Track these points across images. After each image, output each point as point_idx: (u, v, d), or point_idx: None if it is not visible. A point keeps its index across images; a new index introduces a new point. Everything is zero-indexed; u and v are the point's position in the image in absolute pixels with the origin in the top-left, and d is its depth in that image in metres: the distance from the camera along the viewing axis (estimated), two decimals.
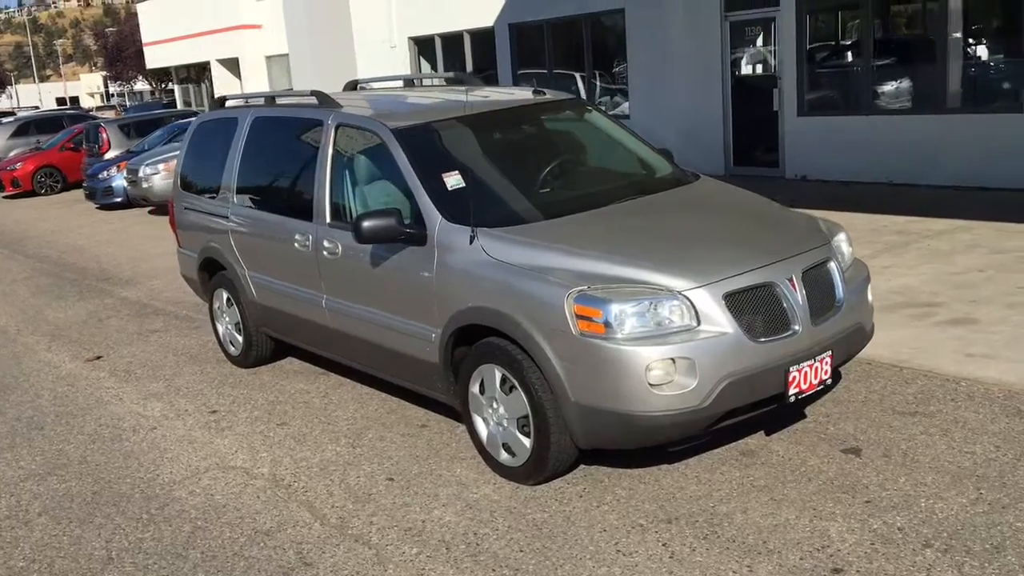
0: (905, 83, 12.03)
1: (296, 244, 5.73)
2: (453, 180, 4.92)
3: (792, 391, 4.20)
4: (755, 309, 4.14)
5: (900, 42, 12.19)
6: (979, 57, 11.58)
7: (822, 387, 4.35)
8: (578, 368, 4.10)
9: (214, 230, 6.70)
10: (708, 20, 13.62)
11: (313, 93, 5.95)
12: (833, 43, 13.12)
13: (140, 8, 30.82)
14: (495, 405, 4.57)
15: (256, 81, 25.34)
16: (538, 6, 16.27)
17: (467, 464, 4.88)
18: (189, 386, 6.68)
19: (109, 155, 19.68)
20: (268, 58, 25.07)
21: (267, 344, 6.72)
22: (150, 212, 17.01)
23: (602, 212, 4.83)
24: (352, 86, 6.98)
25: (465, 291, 4.57)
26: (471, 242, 4.57)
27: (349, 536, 4.26)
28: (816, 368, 4.27)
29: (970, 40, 11.50)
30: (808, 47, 12.79)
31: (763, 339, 4.12)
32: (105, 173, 18.10)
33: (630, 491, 4.39)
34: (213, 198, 6.71)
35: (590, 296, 4.06)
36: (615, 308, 4.00)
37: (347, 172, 5.54)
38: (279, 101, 6.41)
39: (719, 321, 4.05)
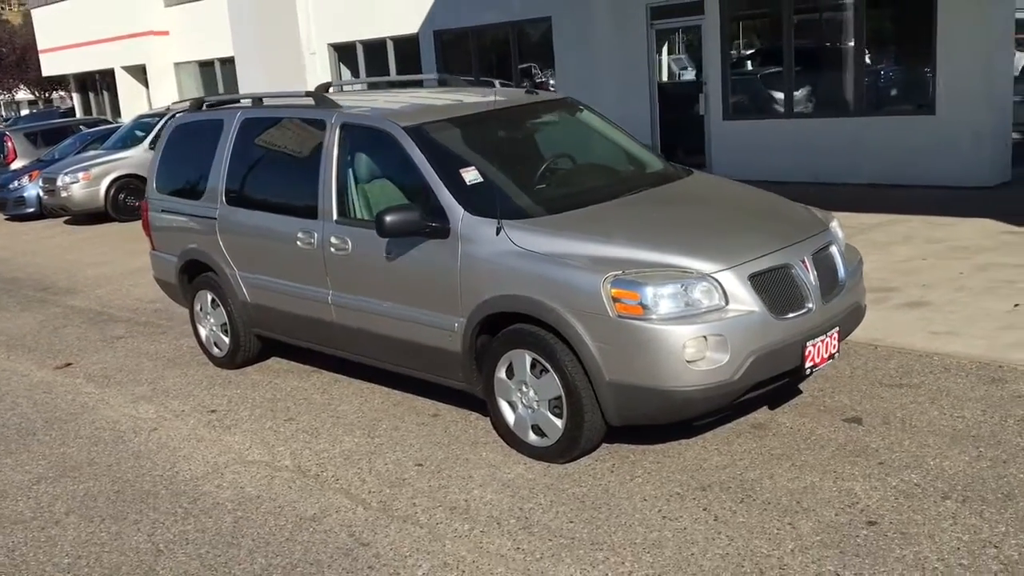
0: (823, 89, 12.73)
1: (299, 242, 5.83)
2: (471, 175, 5.12)
3: (808, 364, 4.55)
4: (775, 289, 4.48)
5: (816, 51, 12.86)
6: (891, 64, 12.32)
7: (831, 360, 4.71)
8: (614, 348, 4.35)
9: (198, 232, 6.72)
10: (635, 28, 14.09)
11: (309, 94, 6.06)
12: (755, 50, 13.75)
13: (35, 14, 29.79)
14: (524, 388, 4.78)
15: (164, 88, 24.83)
16: (463, 13, 16.50)
17: (491, 448, 5.08)
18: (177, 388, 6.67)
19: (16, 165, 19.06)
20: (177, 65, 24.60)
21: (254, 344, 6.77)
22: (66, 222, 16.57)
23: (614, 204, 5.11)
24: (324, 88, 7.03)
25: (493, 281, 4.77)
26: (497, 233, 4.77)
27: (396, 517, 4.41)
28: (827, 343, 4.63)
29: (881, 49, 12.25)
30: (732, 54, 13.36)
31: (784, 316, 4.45)
32: (16, 183, 17.54)
33: (658, 464, 4.66)
34: (197, 200, 6.72)
35: (626, 280, 4.33)
36: (651, 290, 4.27)
37: (354, 170, 5.67)
38: (268, 102, 6.47)
39: (745, 300, 4.36)
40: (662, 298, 4.27)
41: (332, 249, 5.62)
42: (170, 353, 7.59)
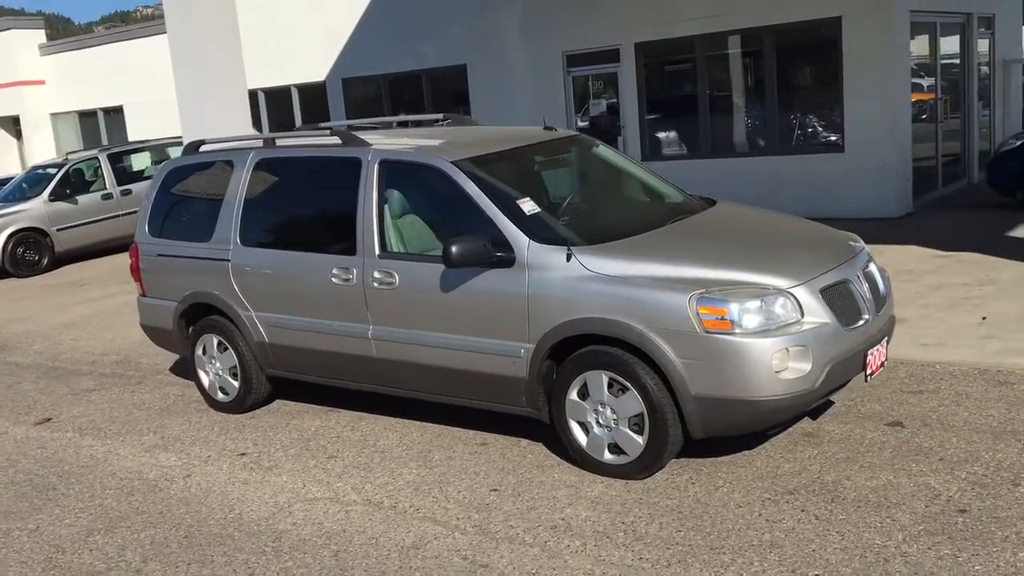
0: (739, 130, 13.49)
1: (334, 279, 5.84)
2: (528, 206, 5.31)
3: (869, 372, 4.92)
4: (840, 302, 4.83)
5: (732, 95, 13.63)
6: (803, 108, 13.17)
7: (882, 368, 5.10)
8: (701, 363, 4.59)
9: (205, 274, 6.61)
10: (552, 75, 14.58)
11: (335, 133, 6.11)
12: (671, 95, 14.40)
13: None
14: (601, 408, 4.96)
15: (39, 140, 23.79)
16: (373, 61, 16.64)
17: (560, 469, 5.21)
18: (188, 435, 6.50)
19: None
20: (54, 115, 23.65)
21: (265, 387, 6.68)
22: None
23: (664, 231, 5.39)
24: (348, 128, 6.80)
25: (567, 305, 4.94)
26: (568, 260, 4.96)
27: (500, 539, 4.49)
28: (880, 351, 5.02)
29: (794, 94, 13.11)
30: (648, 98, 13.98)
31: (850, 327, 4.80)
32: None
33: (733, 474, 4.91)
34: (203, 242, 6.62)
35: (711, 297, 4.59)
36: (737, 306, 4.55)
37: (397, 206, 5.75)
38: (280, 143, 6.48)
39: (819, 313, 4.69)
40: (747, 313, 4.55)
41: (375, 284, 5.66)
42: (159, 402, 7.36)
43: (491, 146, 5.82)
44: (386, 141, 6.08)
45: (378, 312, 5.72)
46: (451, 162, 5.47)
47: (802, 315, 4.67)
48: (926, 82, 13.60)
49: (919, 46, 13.26)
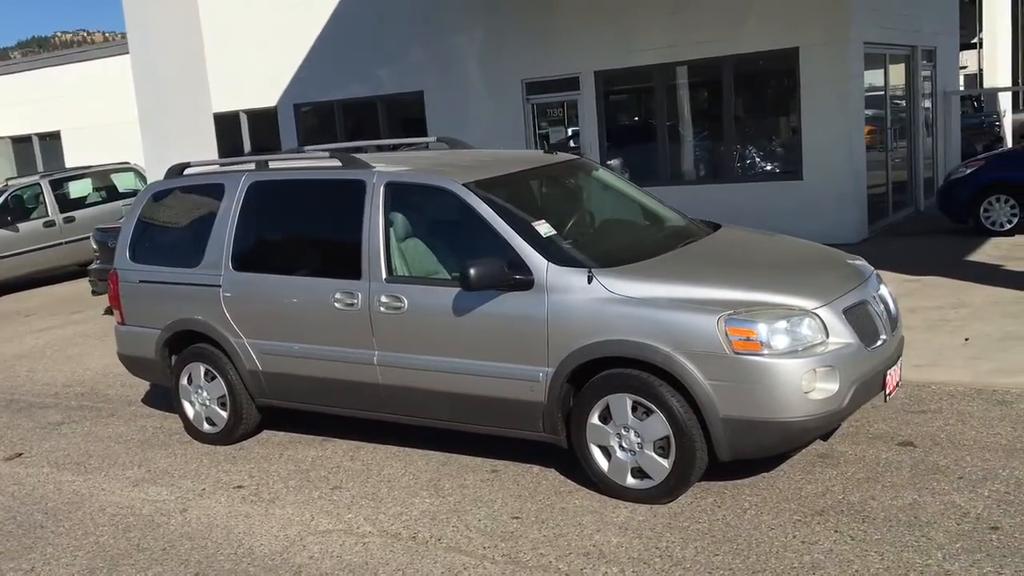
0: (699, 158, 13.67)
1: (336, 304, 5.71)
2: (544, 228, 5.26)
3: (887, 391, 4.96)
4: (861, 322, 4.87)
5: (690, 124, 13.81)
6: (763, 137, 13.42)
7: (898, 387, 5.14)
8: (730, 385, 4.58)
9: (194, 300, 6.40)
10: (511, 102, 14.61)
11: (334, 155, 6.00)
12: (631, 123, 14.55)
13: None
14: (624, 432, 4.90)
15: None
16: (326, 87, 16.49)
17: (580, 495, 5.14)
18: (176, 468, 6.26)
19: None
20: None
21: (255, 417, 6.48)
22: None
23: (681, 253, 5.39)
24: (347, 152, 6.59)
25: (589, 328, 4.89)
26: (589, 282, 4.92)
27: (534, 568, 4.39)
28: (896, 371, 5.06)
29: (754, 124, 13.35)
30: (607, 126, 14.09)
31: (871, 347, 4.84)
32: None
33: (759, 496, 4.89)
34: (191, 268, 6.41)
35: (740, 319, 4.59)
36: (767, 327, 4.55)
37: (404, 229, 5.65)
38: (274, 165, 6.33)
39: (843, 333, 4.72)
40: (776, 334, 4.56)
41: (382, 308, 5.54)
42: (136, 435, 7.08)
43: (498, 169, 5.77)
44: (388, 164, 5.96)
45: (384, 337, 5.59)
46: (463, 184, 5.40)
47: (827, 336, 4.69)
48: (870, 112, 13.95)
49: (870, 78, 13.61)
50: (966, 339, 7.26)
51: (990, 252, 10.93)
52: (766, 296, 4.74)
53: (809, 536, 4.41)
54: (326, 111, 16.91)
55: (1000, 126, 20.59)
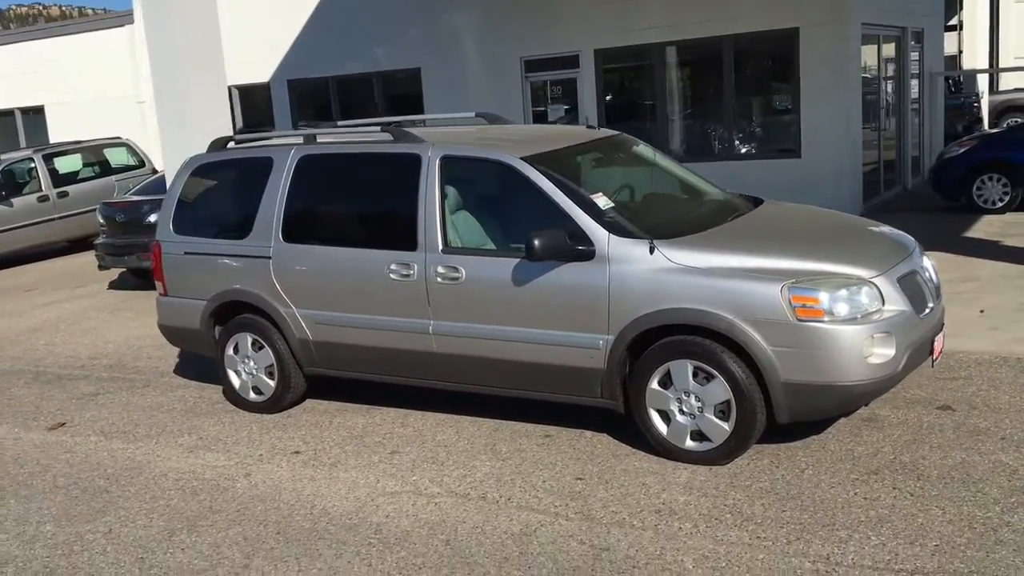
0: (698, 136, 13.88)
1: (391, 274, 5.84)
2: (603, 200, 5.44)
3: (935, 357, 5.20)
4: (912, 291, 5.10)
5: (690, 102, 14.02)
6: (762, 115, 13.65)
7: (942, 353, 5.39)
8: (793, 351, 4.79)
9: (243, 271, 6.51)
10: (510, 80, 14.72)
11: (386, 129, 6.12)
12: (631, 101, 14.70)
13: None
14: (685, 396, 5.11)
15: None
16: (322, 63, 16.47)
17: (637, 458, 5.34)
18: (228, 436, 6.38)
19: None
20: None
21: (302, 386, 6.62)
22: None
23: (734, 225, 5.60)
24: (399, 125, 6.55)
25: (651, 297, 5.08)
26: (651, 252, 5.11)
27: (609, 524, 4.58)
28: (941, 338, 5.31)
29: (753, 102, 13.57)
30: (607, 104, 14.26)
31: (920, 315, 5.08)
32: None
33: (813, 458, 5.12)
34: (240, 239, 6.52)
35: (803, 287, 4.80)
36: (829, 295, 4.77)
37: (460, 201, 5.80)
38: (322, 139, 6.44)
39: (897, 301, 4.95)
40: (838, 301, 4.78)
41: (438, 279, 5.69)
42: (178, 404, 7.19)
43: (549, 143, 5.92)
44: (441, 138, 6.08)
45: (440, 307, 5.74)
46: (521, 158, 5.55)
47: (883, 304, 4.91)
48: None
49: (863, 58, 13.88)
50: (981, 311, 7.55)
51: (986, 229, 11.26)
52: (826, 266, 4.95)
53: (870, 493, 4.65)
54: (320, 87, 16.90)
55: (979, 107, 21.04)
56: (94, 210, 15.09)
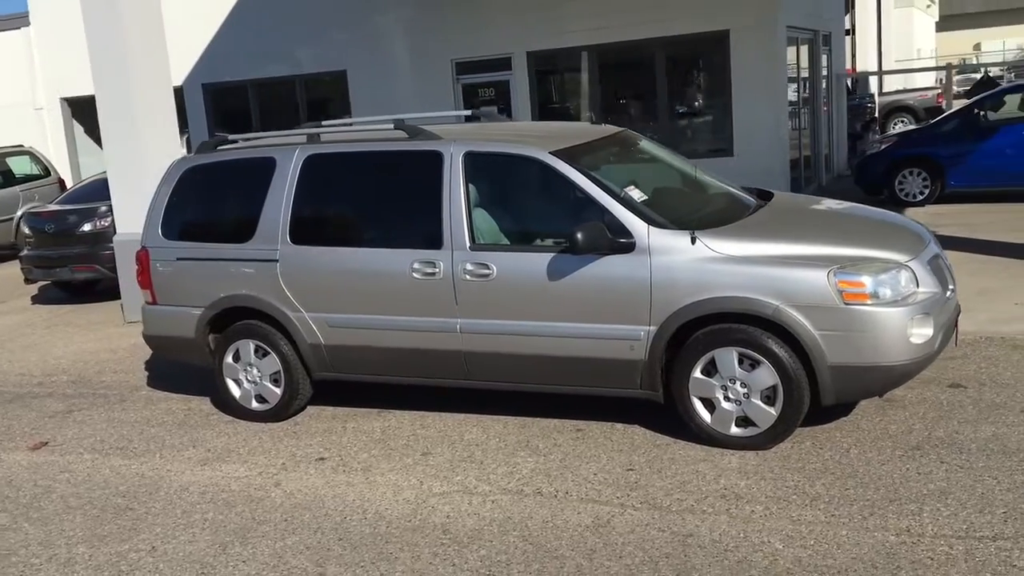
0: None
1: (415, 274, 5.76)
2: (637, 193, 5.50)
3: (956, 336, 5.46)
4: (938, 274, 5.34)
5: (624, 103, 14.26)
6: (696, 116, 14.00)
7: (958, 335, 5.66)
8: (839, 334, 4.95)
9: (246, 276, 6.30)
10: (440, 83, 14.66)
11: (400, 127, 6.03)
12: (563, 103, 14.83)
13: None
14: (731, 384, 5.21)
15: None
16: (240, 66, 16.05)
17: (679, 446, 5.41)
18: (237, 446, 6.16)
19: None
20: None
21: (308, 392, 6.46)
22: None
23: (762, 216, 5.74)
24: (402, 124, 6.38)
25: (695, 286, 5.16)
26: (693, 243, 5.19)
27: (681, 511, 4.63)
28: (960, 319, 5.57)
29: (687, 103, 13.90)
30: (540, 106, 14.36)
31: (948, 297, 5.32)
32: None
33: (854, 438, 5.29)
34: (242, 243, 6.31)
35: (849, 272, 4.96)
36: (874, 279, 4.95)
37: (485, 197, 5.76)
38: (326, 138, 6.29)
39: (929, 283, 5.18)
40: (881, 285, 4.96)
41: (466, 276, 5.64)
42: (167, 418, 6.89)
43: (571, 139, 5.94)
44: (460, 135, 6.02)
45: (469, 305, 5.68)
46: (550, 152, 5.55)
47: (917, 285, 5.12)
48: None
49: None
50: None
51: None
52: (865, 251, 5.13)
53: (921, 468, 4.84)
54: (238, 91, 16.45)
55: (873, 107, 22.09)
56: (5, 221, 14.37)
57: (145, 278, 6.70)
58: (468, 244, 5.65)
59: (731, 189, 6.41)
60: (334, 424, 6.36)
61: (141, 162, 9.50)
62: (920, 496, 4.53)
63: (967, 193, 13.04)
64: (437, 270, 5.70)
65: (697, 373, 5.26)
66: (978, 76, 32.76)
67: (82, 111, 18.06)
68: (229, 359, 6.51)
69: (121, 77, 9.53)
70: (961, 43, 55.56)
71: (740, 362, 5.16)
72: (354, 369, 6.20)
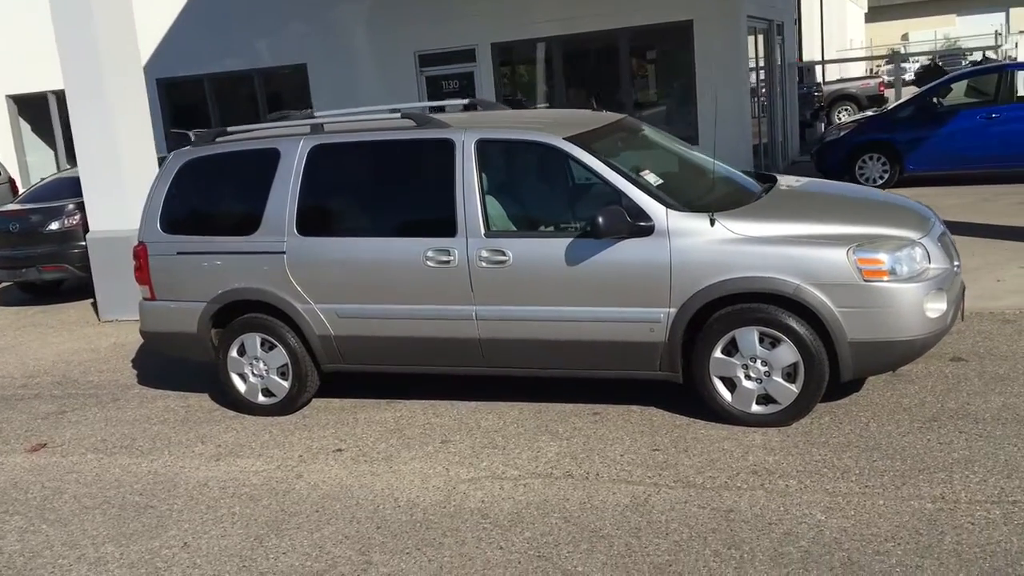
0: None
1: (428, 262, 5.76)
2: (652, 177, 5.56)
3: (963, 310, 5.63)
4: (946, 250, 5.49)
5: (588, 94, 14.32)
6: (660, 105, 14.13)
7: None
8: (859, 311, 5.07)
9: (252, 268, 6.22)
10: (404, 75, 14.60)
11: (408, 116, 6.01)
12: (529, 95, 14.85)
13: None
14: (752, 362, 5.30)
15: None
16: (195, 60, 15.78)
17: (700, 426, 5.49)
18: (248, 441, 6.09)
19: None
20: None
21: (317, 384, 6.41)
22: None
23: (773, 198, 5.84)
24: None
25: (715, 268, 5.24)
26: (712, 225, 5.27)
27: (717, 488, 4.71)
28: (966, 295, 5.74)
29: (649, 92, 14.03)
30: (505, 97, 14.38)
31: (956, 273, 5.48)
32: None
33: (870, 412, 5.43)
34: (247, 235, 6.23)
35: (867, 249, 5.09)
36: (892, 256, 5.08)
37: (498, 184, 5.77)
38: (330, 127, 6.24)
39: (940, 259, 5.33)
40: (900, 261, 5.09)
41: (482, 263, 5.65)
42: (168, 415, 6.78)
43: (580, 125, 5.96)
44: (470, 122, 6.01)
45: (485, 291, 5.69)
46: (564, 139, 5.59)
47: (930, 261, 5.27)
48: None
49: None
50: None
51: None
52: (880, 229, 5.26)
53: (941, 438, 4.98)
54: (195, 86, 16.17)
55: (820, 95, 22.52)
56: None
57: (143, 274, 6.57)
58: (483, 231, 5.66)
59: (735, 172, 6.50)
60: (344, 416, 6.32)
61: (114, 155, 9.30)
62: (947, 465, 4.67)
63: (924, 177, 13.39)
64: (452, 258, 5.70)
65: (718, 353, 5.34)
66: (910, 66, 33.66)
67: (28, 109, 17.58)
68: (234, 353, 6.42)
69: (91, 61, 9.29)
70: (890, 33, 57.01)
71: (760, 341, 5.25)
72: (366, 360, 6.17)
